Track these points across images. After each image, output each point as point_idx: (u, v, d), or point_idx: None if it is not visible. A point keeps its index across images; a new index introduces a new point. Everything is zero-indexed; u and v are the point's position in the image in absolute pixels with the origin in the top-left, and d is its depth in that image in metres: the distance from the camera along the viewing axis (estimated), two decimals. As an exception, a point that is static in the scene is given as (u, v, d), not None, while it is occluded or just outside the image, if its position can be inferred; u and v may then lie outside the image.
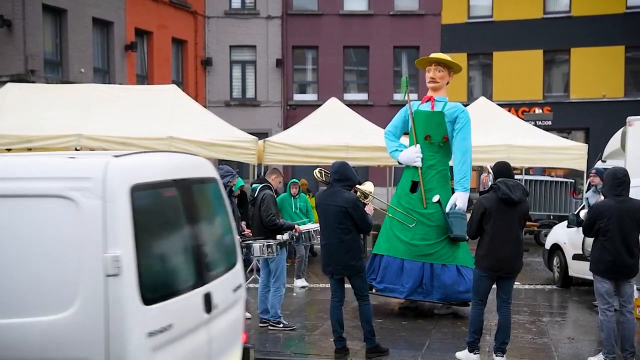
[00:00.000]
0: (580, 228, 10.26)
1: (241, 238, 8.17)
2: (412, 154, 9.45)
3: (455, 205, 9.19)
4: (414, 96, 25.18)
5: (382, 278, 9.34)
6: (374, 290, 9.34)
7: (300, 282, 11.74)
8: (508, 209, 6.94)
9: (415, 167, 9.43)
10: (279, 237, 8.38)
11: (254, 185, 8.79)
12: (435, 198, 9.17)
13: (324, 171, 8.35)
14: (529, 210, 8.04)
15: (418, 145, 9.46)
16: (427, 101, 9.62)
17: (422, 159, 9.42)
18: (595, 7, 27.15)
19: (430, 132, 9.44)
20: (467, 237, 8.00)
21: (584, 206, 11.15)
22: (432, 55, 9.85)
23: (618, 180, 7.05)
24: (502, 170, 7.19)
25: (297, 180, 12.45)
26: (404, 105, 9.93)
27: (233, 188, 9.11)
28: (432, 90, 9.64)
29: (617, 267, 6.95)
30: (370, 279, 9.33)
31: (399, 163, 9.88)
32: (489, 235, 6.98)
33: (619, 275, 7.00)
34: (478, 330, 7.15)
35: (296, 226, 8.98)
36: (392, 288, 9.27)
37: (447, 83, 9.74)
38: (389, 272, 9.29)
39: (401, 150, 9.65)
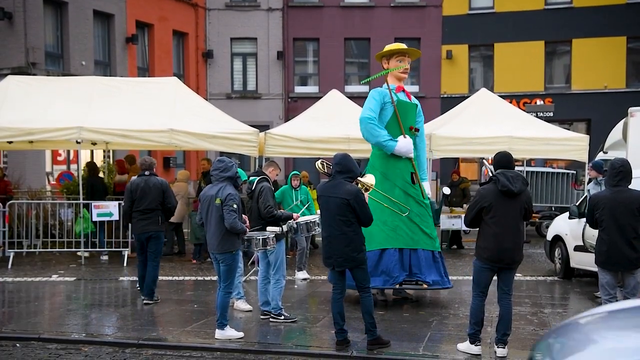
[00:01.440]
0: (582, 219, 10.34)
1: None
2: (409, 145, 9.29)
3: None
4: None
5: (428, 271, 9.27)
6: (424, 286, 9.29)
7: (301, 275, 11.75)
8: (508, 201, 6.90)
9: (408, 158, 9.37)
10: (275, 228, 8.40)
11: (251, 178, 8.80)
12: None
13: (326, 163, 8.32)
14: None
15: (407, 136, 9.33)
16: (401, 91, 9.53)
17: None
18: (597, -2, 27.11)
19: (413, 123, 9.49)
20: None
21: (585, 198, 11.17)
22: (396, 46, 9.58)
23: (615, 171, 7.05)
24: (502, 160, 7.09)
25: (298, 173, 12.43)
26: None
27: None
28: (400, 80, 9.60)
29: (613, 257, 6.94)
30: (402, 275, 9.17)
31: (390, 154, 9.26)
32: (489, 226, 6.94)
33: (618, 267, 6.98)
34: (479, 322, 7.14)
35: (294, 214, 9.01)
36: (437, 280, 9.32)
37: None
38: (435, 265, 9.33)
39: (396, 141, 9.16)
